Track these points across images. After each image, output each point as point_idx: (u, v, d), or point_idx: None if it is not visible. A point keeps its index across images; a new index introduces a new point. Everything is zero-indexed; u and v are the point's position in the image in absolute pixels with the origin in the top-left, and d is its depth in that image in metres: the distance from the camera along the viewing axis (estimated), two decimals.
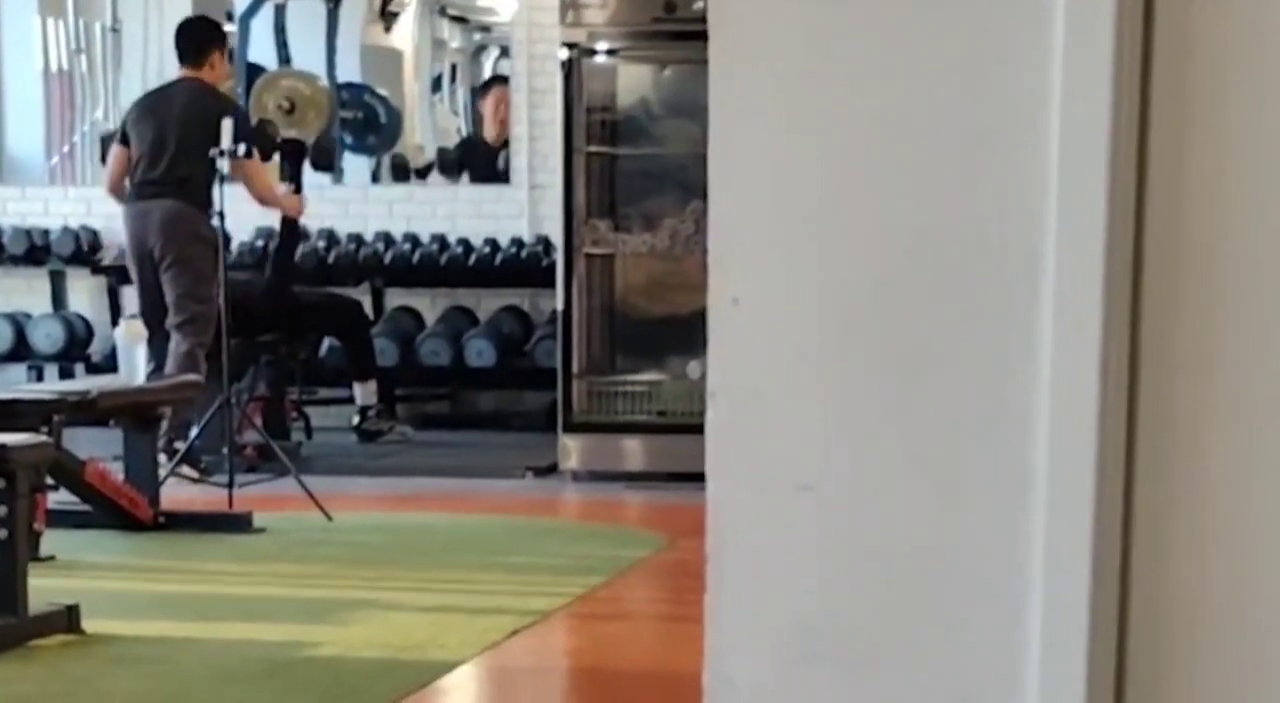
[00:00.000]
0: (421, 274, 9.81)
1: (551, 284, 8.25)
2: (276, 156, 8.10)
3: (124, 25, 10.37)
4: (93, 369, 9.53)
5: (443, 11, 10.40)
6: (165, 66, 9.06)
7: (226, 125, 7.10)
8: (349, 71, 10.34)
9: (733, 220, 1.58)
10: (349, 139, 10.35)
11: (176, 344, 7.55)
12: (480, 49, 10.53)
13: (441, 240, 9.91)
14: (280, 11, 10.36)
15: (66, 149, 10.57)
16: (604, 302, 8.08)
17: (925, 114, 1.52)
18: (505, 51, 10.26)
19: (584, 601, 5.18)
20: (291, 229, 8.38)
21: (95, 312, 10.04)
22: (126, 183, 7.77)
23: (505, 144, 10.13)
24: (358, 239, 9.98)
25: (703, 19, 1.60)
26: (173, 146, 7.58)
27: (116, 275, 9.63)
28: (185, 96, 7.69)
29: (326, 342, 9.21)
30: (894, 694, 1.56)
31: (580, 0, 7.79)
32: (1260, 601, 1.52)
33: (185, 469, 7.22)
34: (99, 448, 6.52)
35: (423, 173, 10.33)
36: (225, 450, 6.82)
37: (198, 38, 7.93)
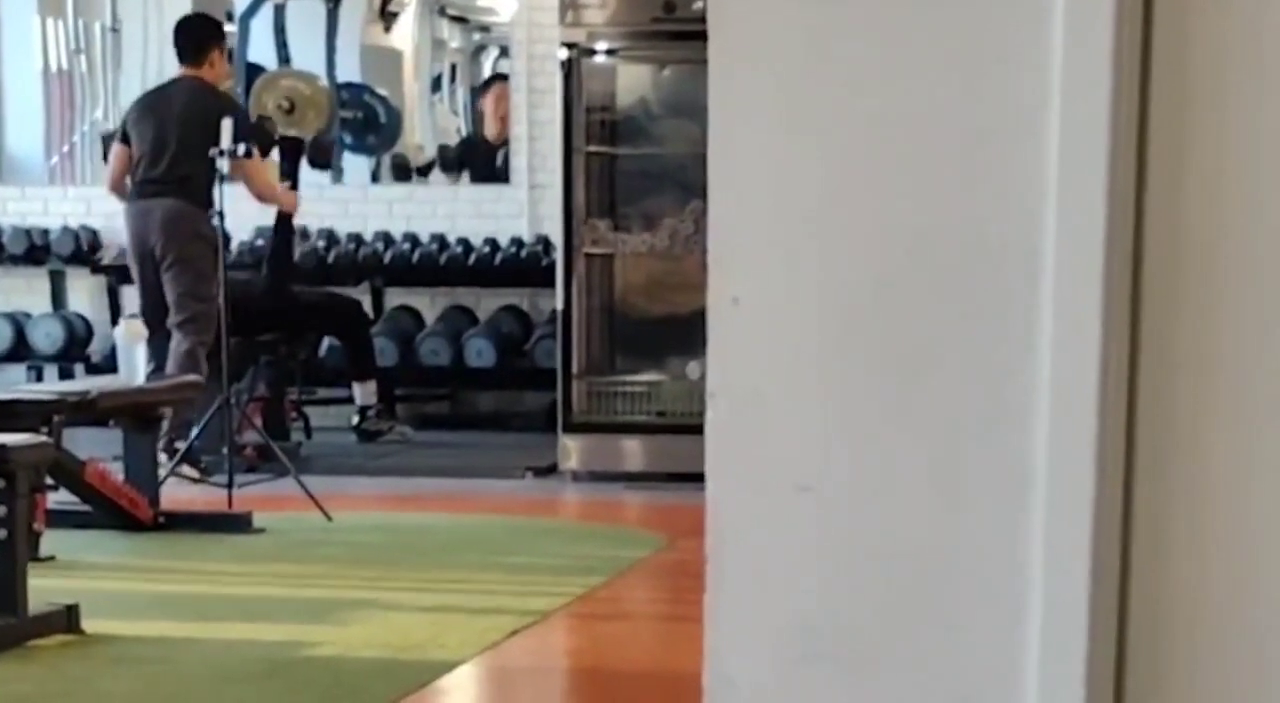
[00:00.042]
0: (421, 274, 9.81)
1: (551, 284, 8.25)
2: (275, 154, 8.10)
3: (124, 25, 10.38)
4: (92, 369, 9.53)
5: (442, 11, 10.40)
6: (165, 67, 9.06)
7: (226, 125, 7.10)
8: (349, 71, 10.34)
9: (732, 220, 1.58)
10: (349, 139, 10.35)
11: (178, 343, 7.55)
12: (480, 49, 10.53)
13: (441, 240, 9.91)
14: (280, 11, 10.36)
15: (66, 149, 10.57)
16: (604, 302, 8.08)
17: (925, 114, 1.52)
18: (505, 51, 10.26)
19: (584, 601, 5.18)
20: (287, 226, 8.38)
21: (95, 312, 10.04)
22: (128, 181, 7.78)
23: (506, 142, 10.13)
24: (357, 239, 9.99)
25: (702, 19, 1.60)
26: (173, 146, 7.58)
27: (116, 275, 9.63)
28: (185, 95, 7.69)
29: (326, 341, 9.21)
30: (893, 694, 1.56)
31: (580, 0, 7.79)
32: (1260, 600, 1.52)
33: (186, 469, 7.22)
34: (99, 448, 6.52)
35: (424, 172, 10.33)
36: (225, 450, 6.82)
37: (196, 36, 7.94)
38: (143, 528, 6.21)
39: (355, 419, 8.95)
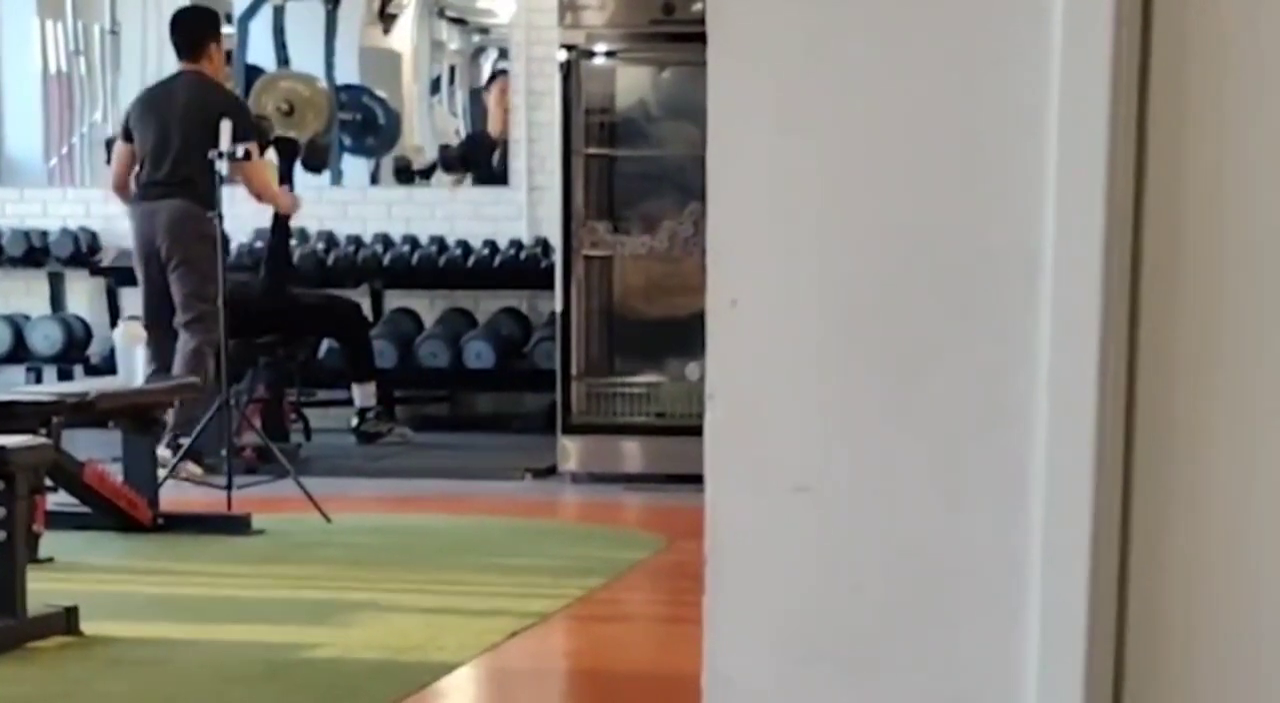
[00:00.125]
0: (420, 276, 9.80)
1: (550, 286, 8.25)
2: (272, 153, 8.10)
3: (122, 27, 10.37)
4: (91, 371, 9.52)
5: (441, 13, 10.40)
6: (164, 69, 9.04)
7: (225, 126, 7.09)
8: (348, 73, 10.34)
9: (731, 221, 1.58)
10: (348, 141, 10.35)
11: (184, 342, 7.56)
12: (479, 51, 10.53)
13: (440, 242, 9.91)
14: (279, 13, 10.36)
15: (65, 151, 10.57)
16: (603, 303, 8.08)
17: (925, 114, 1.52)
18: (504, 53, 10.26)
19: (583, 602, 5.18)
20: (285, 227, 8.38)
21: (94, 313, 10.04)
22: (132, 179, 7.77)
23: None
24: (356, 241, 9.98)
25: (701, 20, 1.60)
26: (176, 145, 7.57)
27: (115, 277, 9.63)
28: (186, 92, 7.67)
29: (325, 343, 9.21)
30: (893, 694, 1.56)
31: (579, 2, 7.79)
32: (1259, 601, 1.52)
33: (190, 466, 7.21)
34: (98, 450, 6.52)
35: (426, 174, 10.33)
36: (224, 452, 6.82)
37: (191, 29, 7.94)
38: (142, 530, 6.20)
39: (354, 421, 8.95)
